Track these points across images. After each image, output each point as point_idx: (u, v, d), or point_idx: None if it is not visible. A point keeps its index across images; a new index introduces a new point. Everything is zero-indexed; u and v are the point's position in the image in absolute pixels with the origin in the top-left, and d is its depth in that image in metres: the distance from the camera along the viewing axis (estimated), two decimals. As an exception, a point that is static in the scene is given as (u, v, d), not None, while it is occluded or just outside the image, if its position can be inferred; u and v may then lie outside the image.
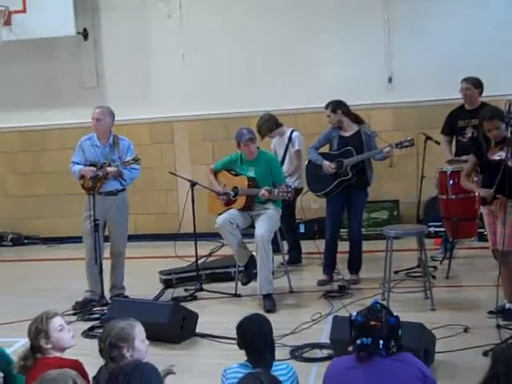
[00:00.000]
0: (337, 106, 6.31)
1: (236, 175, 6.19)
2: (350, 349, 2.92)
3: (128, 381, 2.54)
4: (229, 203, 6.15)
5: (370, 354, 2.83)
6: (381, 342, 2.83)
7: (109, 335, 3.13)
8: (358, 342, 2.85)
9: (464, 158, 6.39)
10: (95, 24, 9.04)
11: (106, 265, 6.17)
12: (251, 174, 6.09)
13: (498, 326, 4.76)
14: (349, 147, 6.23)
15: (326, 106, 6.39)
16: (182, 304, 5.66)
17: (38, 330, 3.31)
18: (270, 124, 7.08)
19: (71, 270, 7.28)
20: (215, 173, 6.34)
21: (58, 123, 9.08)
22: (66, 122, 8.96)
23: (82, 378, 2.71)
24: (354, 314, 2.93)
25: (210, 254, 7.76)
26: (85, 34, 8.96)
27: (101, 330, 5.06)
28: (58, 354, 3.34)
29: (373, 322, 2.87)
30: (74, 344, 3.46)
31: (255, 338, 3.13)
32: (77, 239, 8.16)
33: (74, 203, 8.28)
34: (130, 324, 3.19)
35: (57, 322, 3.38)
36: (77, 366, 3.17)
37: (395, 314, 2.98)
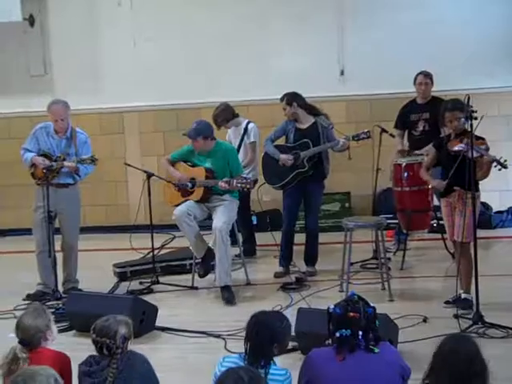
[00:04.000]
0: (292, 99, 6.30)
1: (193, 166, 6.12)
2: (329, 342, 2.92)
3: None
4: (186, 194, 6.07)
5: (351, 347, 2.82)
6: (360, 333, 2.84)
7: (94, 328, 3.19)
8: (338, 334, 2.84)
9: (417, 152, 6.52)
10: (42, 10, 8.73)
11: (58, 258, 6.01)
12: (208, 165, 6.03)
13: (456, 316, 4.85)
14: (305, 139, 6.23)
15: (282, 99, 6.38)
16: (140, 297, 5.57)
17: (45, 322, 3.31)
18: (226, 114, 7.02)
19: (18, 263, 7.07)
20: (172, 163, 6.25)
21: (4, 112, 8.76)
22: (13, 110, 8.66)
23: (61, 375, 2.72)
24: (332, 306, 2.92)
25: (162, 247, 7.65)
26: (31, 20, 8.66)
27: (57, 325, 5.03)
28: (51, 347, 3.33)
29: (352, 314, 2.87)
30: None
31: (259, 334, 3.03)
32: (21, 231, 8.00)
33: (19, 194, 8.07)
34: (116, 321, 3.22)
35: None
36: (67, 359, 3.27)
37: (371, 310, 2.98)
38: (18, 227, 8.39)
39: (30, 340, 3.27)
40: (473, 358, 2.63)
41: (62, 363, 3.26)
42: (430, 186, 6.13)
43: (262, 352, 3.00)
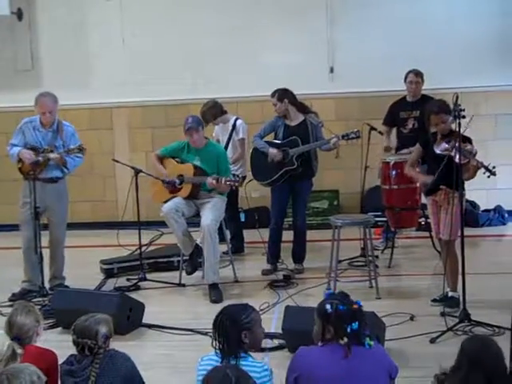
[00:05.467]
0: (283, 95, 6.28)
1: (182, 163, 6.10)
2: (320, 344, 2.90)
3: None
4: (174, 191, 6.05)
5: (359, 340, 2.83)
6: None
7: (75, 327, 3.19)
8: (349, 329, 2.83)
9: (405, 151, 6.53)
10: (30, 3, 8.68)
11: (45, 254, 5.97)
12: (197, 162, 6.00)
13: (443, 314, 4.86)
14: (294, 137, 6.22)
15: (272, 95, 6.36)
16: (127, 294, 5.55)
17: (37, 317, 3.33)
18: (214, 111, 6.99)
19: (5, 259, 7.02)
20: (161, 159, 6.22)
21: (-10, 107, 8.72)
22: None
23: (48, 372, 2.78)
24: (328, 306, 2.89)
25: (150, 243, 7.63)
26: (19, 14, 8.60)
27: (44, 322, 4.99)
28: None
29: (355, 306, 2.88)
30: None
31: (223, 324, 3.03)
32: (9, 227, 7.94)
33: (8, 190, 8.01)
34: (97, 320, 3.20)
35: None
36: (54, 356, 3.29)
37: (360, 303, 2.99)
38: (6, 223, 8.33)
39: (23, 337, 3.27)
40: (502, 357, 2.69)
41: (48, 360, 3.26)
42: (418, 185, 6.15)
43: (230, 342, 2.98)
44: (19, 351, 3.15)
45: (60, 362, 3.29)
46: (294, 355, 3.01)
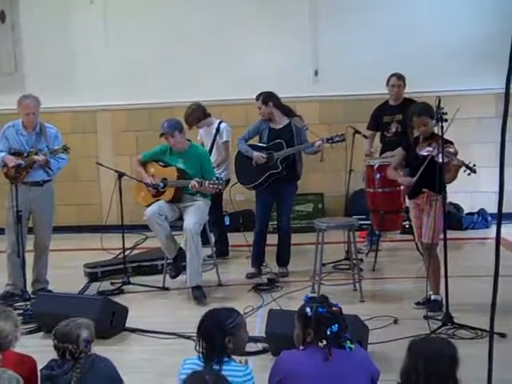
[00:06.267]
0: (268, 98, 6.29)
1: (165, 166, 6.08)
2: (302, 347, 2.90)
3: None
4: (157, 195, 6.03)
5: (339, 343, 2.82)
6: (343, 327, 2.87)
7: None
8: (328, 332, 2.82)
9: (389, 153, 6.55)
10: (13, 6, 8.63)
11: (29, 258, 5.94)
12: (180, 165, 5.99)
13: (426, 317, 4.87)
14: (279, 140, 6.22)
15: (257, 98, 6.36)
16: (110, 298, 5.51)
17: (15, 322, 3.27)
18: (197, 114, 6.99)
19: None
20: (144, 163, 6.20)
21: (-27, 110, 8.64)
22: (-17, 108, 8.54)
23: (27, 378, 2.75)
24: (307, 309, 2.89)
25: (134, 247, 7.60)
26: (2, 17, 8.56)
27: (25, 327, 4.95)
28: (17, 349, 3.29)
29: (335, 308, 2.88)
30: None
31: (206, 328, 3.01)
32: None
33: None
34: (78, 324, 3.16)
35: None
36: (32, 362, 3.24)
37: (339, 305, 2.99)
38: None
39: (2, 342, 3.23)
40: (455, 360, 2.66)
41: (27, 366, 3.22)
42: (401, 188, 6.17)
43: (214, 347, 2.95)
44: None
45: (41, 367, 3.26)
46: (276, 359, 3.01)
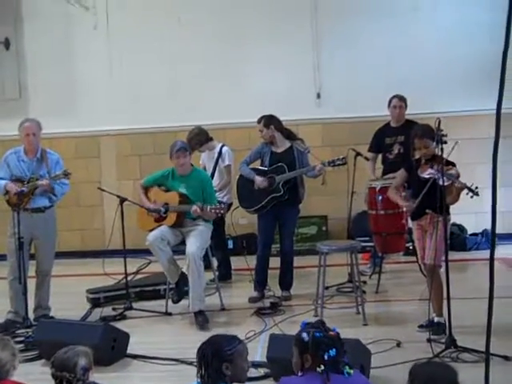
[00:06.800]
0: (269, 121, 6.30)
1: (167, 191, 6.08)
2: (300, 373, 2.88)
3: None
4: (159, 220, 6.03)
5: (337, 368, 2.80)
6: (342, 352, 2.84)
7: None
8: (326, 356, 2.80)
9: (391, 175, 6.52)
10: (18, 33, 8.75)
11: (31, 284, 5.93)
12: (183, 190, 6.00)
13: (429, 340, 4.82)
14: (281, 163, 6.23)
15: (259, 121, 6.38)
16: (112, 324, 5.49)
17: (13, 351, 3.27)
18: (200, 138, 7.01)
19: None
20: (146, 188, 6.21)
21: (-23, 135, 8.70)
22: (-14, 134, 8.60)
23: None
24: (304, 334, 2.87)
25: (137, 272, 7.59)
26: (6, 44, 8.65)
27: (26, 354, 4.93)
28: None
29: (332, 333, 2.86)
30: None
31: (205, 354, 3.00)
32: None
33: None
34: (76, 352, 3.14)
35: None
36: None
37: (336, 329, 2.98)
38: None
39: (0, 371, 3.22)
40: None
41: None
42: (404, 209, 6.15)
43: (211, 372, 2.94)
44: None
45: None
46: (276, 386, 2.99)
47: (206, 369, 2.97)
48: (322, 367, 2.80)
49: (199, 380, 3.00)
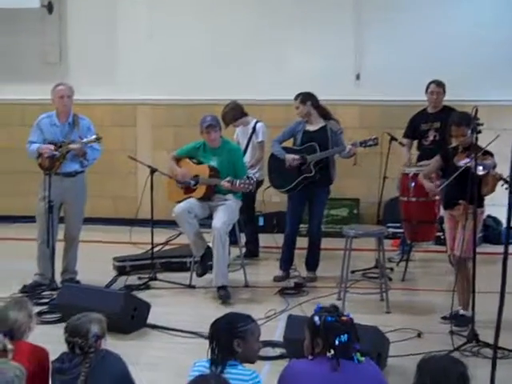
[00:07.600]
0: (307, 98, 6.23)
1: (198, 163, 6.08)
2: (310, 357, 2.84)
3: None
4: (188, 191, 6.03)
5: (348, 354, 2.76)
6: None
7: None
8: (337, 342, 2.76)
9: (425, 162, 6.40)
10: (61, -3, 8.78)
11: (59, 247, 6.00)
12: (214, 163, 5.98)
13: (451, 332, 4.74)
14: (312, 143, 6.15)
15: (296, 97, 6.31)
16: (135, 293, 5.54)
17: (29, 313, 3.33)
18: (235, 112, 6.97)
19: (21, 250, 7.06)
20: (177, 159, 6.21)
21: (18, 98, 8.76)
22: (27, 97, 8.64)
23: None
24: (316, 318, 2.83)
25: (166, 243, 7.60)
26: (49, 7, 8.65)
27: (49, 316, 5.00)
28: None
29: (344, 318, 2.82)
30: None
31: (216, 329, 3.01)
32: (31, 219, 7.98)
33: (31, 182, 8.05)
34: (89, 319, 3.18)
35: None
36: (44, 353, 3.26)
37: (350, 315, 2.93)
38: (27, 214, 8.36)
39: (15, 332, 3.26)
40: (464, 378, 2.58)
41: (39, 357, 3.25)
42: (437, 198, 6.03)
43: (222, 348, 2.94)
44: (10, 347, 3.14)
45: (55, 357, 3.27)
46: (284, 367, 2.96)
47: (217, 343, 2.97)
48: (332, 352, 2.76)
49: (210, 356, 2.99)
